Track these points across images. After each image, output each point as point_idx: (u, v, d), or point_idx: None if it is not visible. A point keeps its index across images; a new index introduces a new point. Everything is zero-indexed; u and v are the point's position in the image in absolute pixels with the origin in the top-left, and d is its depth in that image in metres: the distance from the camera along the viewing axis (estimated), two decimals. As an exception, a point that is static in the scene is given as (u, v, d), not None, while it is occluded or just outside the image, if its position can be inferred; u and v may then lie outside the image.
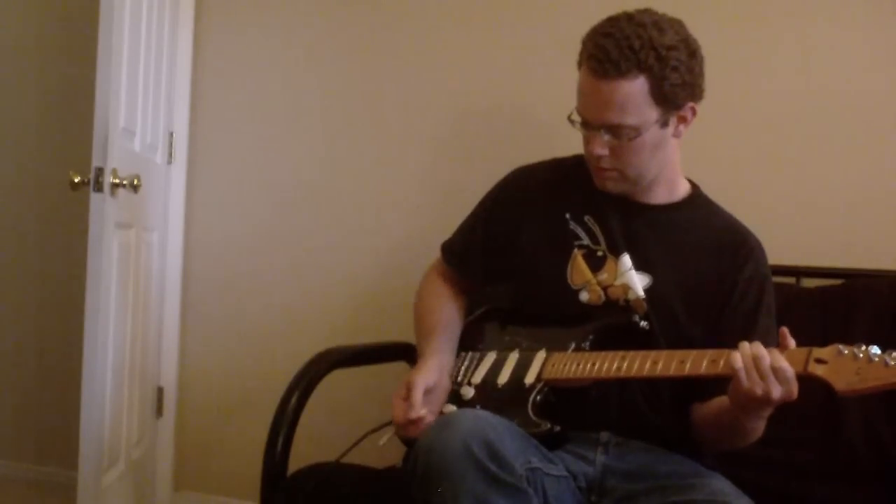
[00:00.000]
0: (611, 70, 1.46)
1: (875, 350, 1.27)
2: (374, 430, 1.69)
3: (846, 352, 1.28)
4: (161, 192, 2.64)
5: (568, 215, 1.66)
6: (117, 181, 2.16)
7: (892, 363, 1.24)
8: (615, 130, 1.50)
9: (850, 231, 2.10)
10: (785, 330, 1.35)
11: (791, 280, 2.07)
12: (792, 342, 1.34)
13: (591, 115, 1.52)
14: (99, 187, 2.12)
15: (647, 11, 1.53)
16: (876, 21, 2.12)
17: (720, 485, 1.44)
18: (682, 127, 1.57)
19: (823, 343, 1.32)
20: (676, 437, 1.55)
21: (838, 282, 2.00)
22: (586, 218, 1.64)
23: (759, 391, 1.30)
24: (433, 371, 1.61)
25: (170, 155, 2.67)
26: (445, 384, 1.63)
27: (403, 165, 2.52)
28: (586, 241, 1.63)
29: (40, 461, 3.00)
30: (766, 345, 1.41)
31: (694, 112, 1.56)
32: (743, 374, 1.31)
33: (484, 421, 1.35)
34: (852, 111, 2.12)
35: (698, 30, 2.21)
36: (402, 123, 2.53)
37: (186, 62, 2.68)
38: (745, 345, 1.34)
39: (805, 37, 2.17)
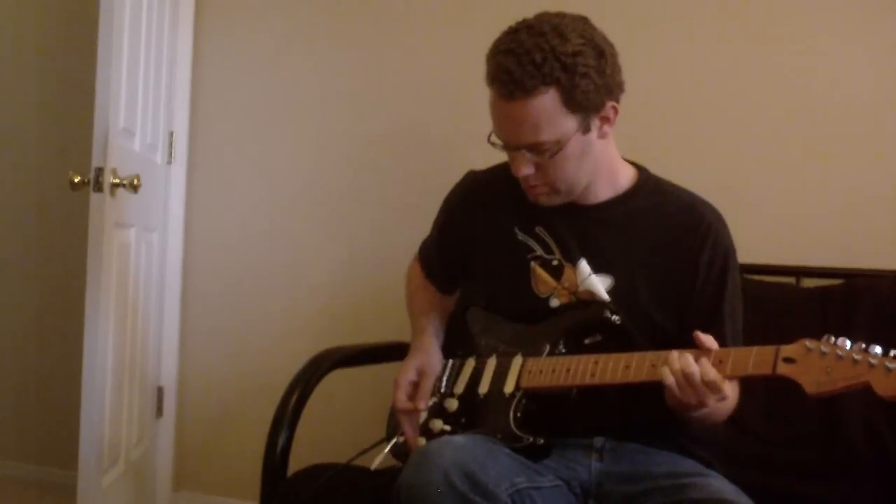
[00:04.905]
0: (517, 91, 1.41)
1: (845, 345, 1.22)
2: (384, 440, 1.69)
3: (813, 348, 1.24)
4: (161, 192, 2.64)
5: (516, 228, 1.63)
6: (117, 181, 2.16)
7: (860, 359, 1.19)
8: (535, 148, 1.46)
9: (850, 231, 2.10)
10: (697, 333, 1.37)
11: (791, 280, 2.07)
12: (707, 343, 1.36)
13: (507, 138, 1.49)
14: (99, 187, 2.12)
15: (545, 15, 1.46)
16: (876, 23, 2.12)
17: (719, 484, 1.43)
18: (606, 127, 1.51)
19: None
20: (670, 433, 1.54)
21: (838, 282, 2.00)
22: (537, 229, 1.61)
23: (693, 401, 1.34)
24: (413, 360, 1.69)
25: (170, 155, 2.67)
26: (433, 364, 1.68)
27: (404, 164, 2.52)
28: (539, 251, 1.61)
29: (41, 461, 3.00)
30: (733, 330, 1.52)
31: (616, 111, 1.50)
32: (676, 390, 1.33)
33: (463, 450, 1.35)
34: (852, 112, 2.12)
35: (701, 34, 2.24)
36: (403, 123, 2.53)
37: (186, 62, 2.68)
38: (673, 359, 1.35)
39: (806, 38, 2.17)
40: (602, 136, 1.52)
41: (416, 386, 1.66)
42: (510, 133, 1.48)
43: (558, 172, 1.50)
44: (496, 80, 1.45)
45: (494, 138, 1.52)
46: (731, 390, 1.39)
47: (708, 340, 1.36)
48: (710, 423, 1.47)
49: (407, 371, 1.67)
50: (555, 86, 1.42)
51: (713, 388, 1.32)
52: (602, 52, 1.46)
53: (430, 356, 1.69)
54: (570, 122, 1.46)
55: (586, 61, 1.43)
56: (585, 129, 1.48)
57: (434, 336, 1.73)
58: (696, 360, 1.34)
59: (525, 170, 1.50)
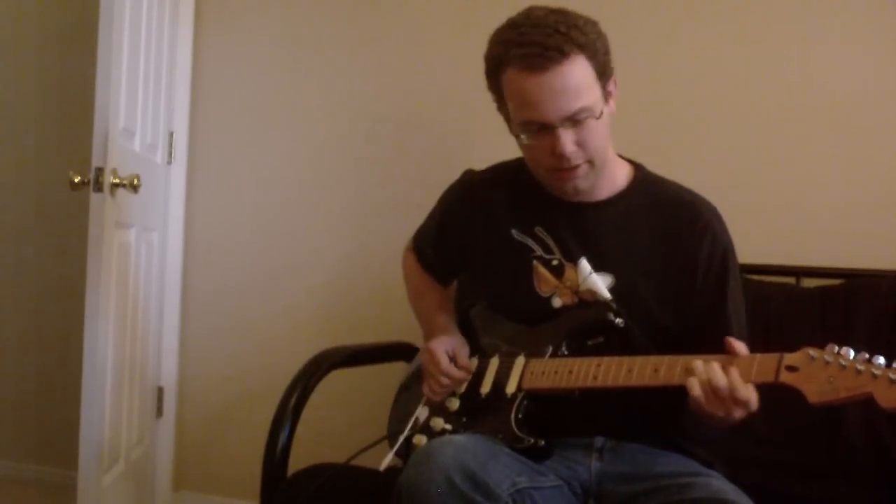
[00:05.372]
0: (556, 56, 1.41)
1: (848, 354, 1.21)
2: (385, 438, 1.69)
3: (816, 357, 1.23)
4: (161, 192, 2.64)
5: (514, 230, 1.63)
6: (117, 181, 2.16)
7: (863, 369, 1.18)
8: (577, 117, 1.45)
9: (850, 231, 2.10)
10: (730, 339, 1.33)
11: (791, 280, 2.07)
12: (740, 349, 1.33)
13: (550, 114, 1.44)
14: (99, 187, 2.12)
15: (534, 7, 1.49)
16: (876, 21, 2.12)
17: (720, 484, 1.43)
18: (612, 103, 1.54)
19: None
20: (670, 434, 1.54)
21: (838, 282, 2.00)
22: (537, 229, 1.61)
23: (720, 413, 1.31)
24: (443, 341, 1.65)
25: (170, 155, 2.67)
26: (465, 346, 1.66)
27: (405, 164, 2.52)
28: (539, 251, 1.60)
29: (41, 461, 3.00)
30: (738, 328, 1.49)
31: (615, 85, 1.53)
32: (703, 401, 1.31)
33: (464, 449, 1.35)
34: (852, 111, 2.12)
35: (700, 32, 2.24)
36: (403, 122, 2.53)
37: (186, 62, 2.68)
38: (699, 368, 1.31)
39: (805, 37, 2.17)
40: (611, 112, 1.54)
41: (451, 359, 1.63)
42: (552, 105, 1.44)
43: (596, 143, 1.49)
44: (528, 56, 1.43)
45: (518, 129, 1.50)
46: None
47: (740, 348, 1.33)
48: (725, 426, 1.45)
49: (442, 344, 1.64)
50: (582, 50, 1.44)
51: (741, 400, 1.29)
52: (597, 24, 1.50)
53: (459, 340, 1.68)
54: (598, 89, 1.48)
55: (594, 29, 1.48)
56: (606, 99, 1.50)
57: (458, 331, 1.71)
58: (725, 370, 1.30)
59: (571, 146, 1.46)
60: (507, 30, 1.48)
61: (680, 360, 1.37)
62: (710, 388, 1.30)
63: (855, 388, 1.19)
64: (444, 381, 1.60)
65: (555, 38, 1.42)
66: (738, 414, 1.31)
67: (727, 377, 1.29)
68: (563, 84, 1.43)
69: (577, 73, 1.44)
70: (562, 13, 1.47)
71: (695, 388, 1.30)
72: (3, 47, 3.07)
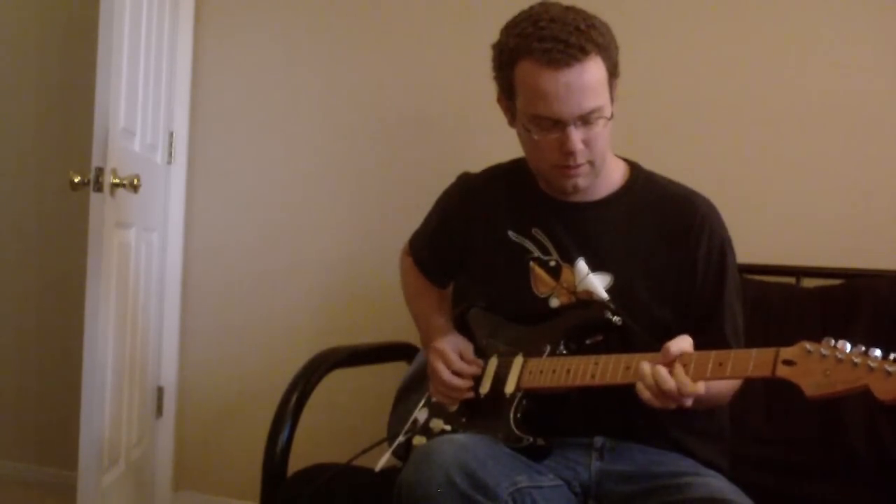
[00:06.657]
0: (577, 54, 1.41)
1: (845, 347, 1.21)
2: (386, 440, 1.69)
3: (813, 351, 1.23)
4: (161, 192, 2.64)
5: (511, 231, 1.63)
6: (117, 181, 2.16)
7: (859, 362, 1.18)
8: (588, 117, 1.45)
9: (850, 231, 2.10)
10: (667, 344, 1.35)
11: (791, 280, 2.07)
12: (680, 346, 1.34)
13: (565, 111, 1.44)
14: (99, 187, 2.12)
15: (546, 3, 1.50)
16: (876, 21, 2.12)
17: (719, 483, 1.43)
18: (614, 106, 1.53)
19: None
20: (670, 433, 1.54)
21: (838, 282, 2.00)
22: (534, 230, 1.61)
23: (672, 405, 1.33)
24: (447, 341, 1.64)
25: (170, 155, 2.67)
26: (468, 344, 1.66)
27: (404, 164, 2.52)
28: (537, 252, 1.60)
29: (41, 461, 3.00)
30: (733, 324, 1.52)
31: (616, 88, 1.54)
32: (655, 402, 1.33)
33: (464, 449, 1.35)
34: (852, 111, 2.12)
35: (701, 30, 2.24)
36: (402, 122, 2.53)
37: (186, 62, 2.69)
38: (645, 372, 1.33)
39: (805, 37, 2.17)
40: (612, 115, 1.53)
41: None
42: (568, 103, 1.44)
43: (601, 144, 1.50)
44: (549, 50, 1.42)
45: (529, 124, 1.49)
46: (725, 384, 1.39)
47: (675, 345, 1.35)
48: (713, 406, 1.47)
49: (449, 343, 1.64)
50: (600, 52, 1.45)
51: (687, 394, 1.31)
52: (609, 26, 1.50)
53: (463, 340, 1.67)
54: (608, 92, 1.48)
55: (608, 31, 1.48)
56: (612, 100, 1.50)
57: (457, 333, 1.70)
58: (671, 371, 1.32)
59: (579, 144, 1.47)
60: (525, 22, 1.47)
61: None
62: (658, 389, 1.31)
63: (851, 381, 1.19)
64: (457, 381, 1.59)
65: (576, 35, 1.42)
66: (688, 403, 1.33)
67: (673, 377, 1.31)
68: (581, 82, 1.43)
69: (594, 72, 1.44)
70: (579, 11, 1.47)
71: (644, 393, 1.33)
72: (3, 47, 3.07)
